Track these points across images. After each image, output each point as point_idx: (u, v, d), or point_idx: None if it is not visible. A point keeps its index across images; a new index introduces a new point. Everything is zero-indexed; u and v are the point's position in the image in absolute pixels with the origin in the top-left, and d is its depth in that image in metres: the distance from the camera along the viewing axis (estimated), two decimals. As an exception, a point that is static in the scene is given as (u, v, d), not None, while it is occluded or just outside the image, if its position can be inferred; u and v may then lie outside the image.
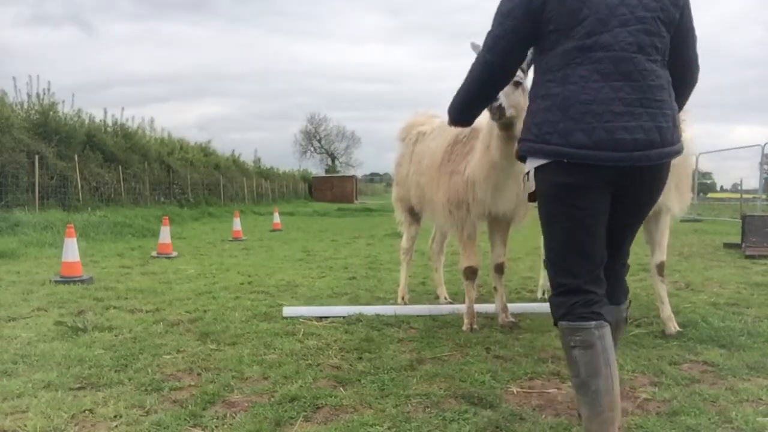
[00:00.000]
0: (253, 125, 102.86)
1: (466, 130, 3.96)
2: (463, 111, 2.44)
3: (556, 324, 2.12)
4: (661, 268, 4.07)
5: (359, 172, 58.07)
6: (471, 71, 2.29)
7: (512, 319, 4.21)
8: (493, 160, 3.72)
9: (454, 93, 2.41)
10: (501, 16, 2.14)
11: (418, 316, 4.54)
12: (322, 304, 5.01)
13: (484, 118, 4.17)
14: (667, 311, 4.02)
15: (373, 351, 3.59)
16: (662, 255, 4.06)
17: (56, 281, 6.05)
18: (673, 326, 3.96)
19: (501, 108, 3.20)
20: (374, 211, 25.13)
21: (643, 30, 2.00)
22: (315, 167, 56.92)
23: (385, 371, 3.19)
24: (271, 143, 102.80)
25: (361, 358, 3.47)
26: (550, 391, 2.95)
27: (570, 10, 2.00)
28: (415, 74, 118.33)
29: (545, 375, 3.17)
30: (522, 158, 2.20)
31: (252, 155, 40.22)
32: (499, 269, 4.35)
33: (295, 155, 61.66)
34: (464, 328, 4.11)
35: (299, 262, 8.16)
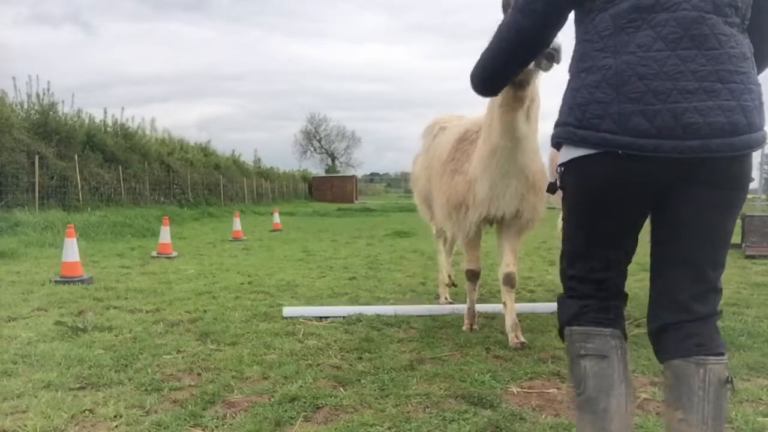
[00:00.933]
0: (253, 125, 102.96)
1: (476, 126, 3.71)
2: (486, 81, 2.02)
3: (561, 331, 1.82)
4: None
5: (359, 172, 58.16)
6: (498, 33, 1.86)
7: (523, 340, 3.72)
8: (494, 142, 3.33)
9: (479, 56, 2.00)
10: None
11: (418, 316, 4.54)
12: (322, 304, 5.01)
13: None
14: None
15: (373, 351, 3.59)
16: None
17: (56, 281, 6.05)
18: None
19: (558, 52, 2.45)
20: (374, 211, 25.14)
21: None
22: (315, 167, 56.97)
23: (385, 371, 3.19)
24: (271, 143, 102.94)
25: (361, 358, 3.47)
26: (550, 391, 2.95)
27: None
28: (415, 74, 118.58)
29: (545, 375, 3.17)
30: (557, 146, 1.79)
31: (252, 155, 40.29)
32: (508, 281, 3.84)
33: (295, 155, 61.73)
34: (464, 328, 4.08)
35: (299, 262, 8.16)
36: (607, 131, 1.58)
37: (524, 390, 2.95)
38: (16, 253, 8.28)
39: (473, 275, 4.10)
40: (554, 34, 1.84)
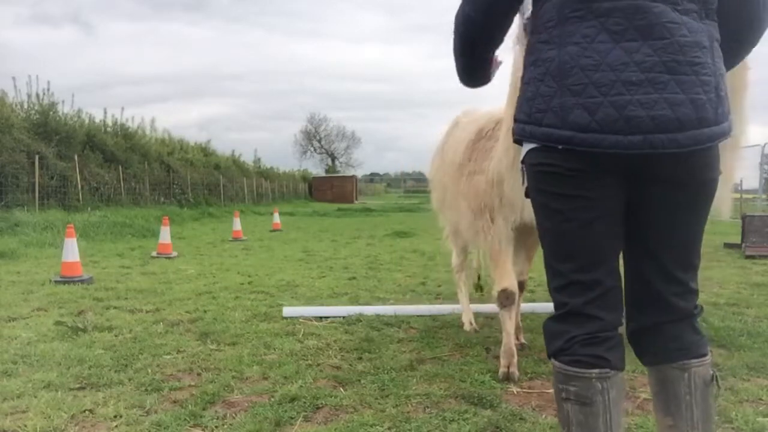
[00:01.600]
0: (253, 125, 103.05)
1: (492, 122, 3.31)
2: (463, 76, 1.96)
3: (549, 357, 1.63)
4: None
5: (359, 172, 58.20)
6: (454, 29, 1.80)
7: (523, 341, 3.71)
8: None
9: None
10: None
11: (418, 316, 4.54)
12: (322, 304, 5.01)
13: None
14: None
15: (373, 351, 3.59)
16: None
17: (56, 281, 6.05)
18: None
19: None
20: (374, 211, 25.14)
21: None
22: (315, 167, 57.00)
23: (385, 371, 3.19)
24: (271, 143, 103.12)
25: (361, 358, 3.47)
26: (550, 391, 2.94)
27: None
28: (416, 74, 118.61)
29: (545, 375, 3.17)
30: (518, 143, 1.72)
31: (252, 155, 40.29)
32: (520, 287, 3.58)
33: (295, 155, 61.82)
34: (501, 370, 3.18)
35: (299, 262, 8.16)
36: (549, 125, 1.51)
37: (524, 390, 2.96)
38: (16, 253, 8.28)
39: (507, 297, 3.28)
40: (505, 24, 1.74)
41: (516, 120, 1.64)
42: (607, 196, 1.54)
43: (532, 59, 1.59)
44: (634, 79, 1.44)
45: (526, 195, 1.73)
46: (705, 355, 1.59)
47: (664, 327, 1.60)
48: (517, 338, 3.54)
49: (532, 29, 1.65)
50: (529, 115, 1.56)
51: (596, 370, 1.50)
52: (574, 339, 1.53)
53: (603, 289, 1.55)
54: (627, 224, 1.60)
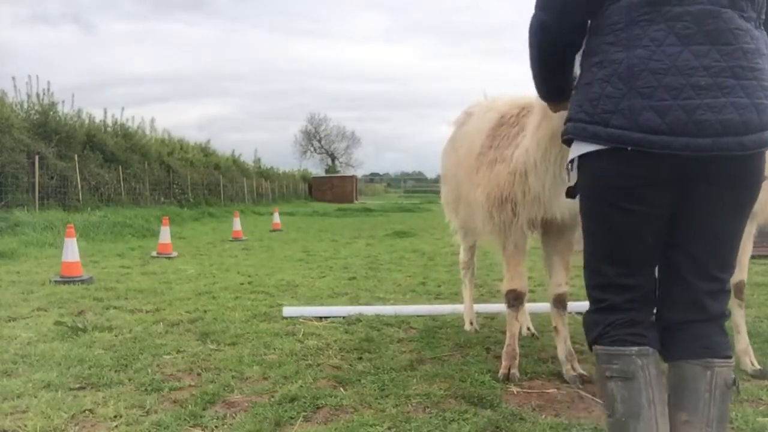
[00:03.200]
0: (253, 125, 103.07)
1: (515, 108, 3.11)
2: (544, 87, 1.95)
3: (590, 347, 1.74)
4: (739, 289, 3.27)
5: (359, 172, 58.14)
6: (529, 37, 1.81)
7: (582, 372, 3.09)
8: (557, 126, 2.49)
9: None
10: None
11: (418, 316, 4.54)
12: (322, 304, 5.01)
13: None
14: (743, 343, 3.24)
15: (373, 351, 3.59)
16: (741, 272, 3.28)
17: (56, 281, 6.05)
18: (749, 360, 3.19)
19: None
20: (374, 211, 25.13)
21: None
22: (315, 167, 56.94)
23: (385, 371, 3.19)
24: (271, 143, 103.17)
25: (361, 358, 3.47)
26: (550, 391, 2.95)
27: None
28: (416, 74, 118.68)
29: (545, 375, 3.17)
30: (567, 142, 1.75)
31: (252, 155, 40.22)
32: (560, 302, 3.19)
33: (295, 155, 61.67)
34: (502, 371, 3.13)
35: (299, 262, 8.16)
36: (617, 126, 1.54)
37: (524, 390, 2.95)
38: (16, 253, 8.28)
39: (516, 297, 3.18)
40: (582, 27, 1.73)
41: (573, 120, 1.66)
42: (660, 206, 1.60)
43: (596, 60, 1.62)
44: (703, 84, 1.49)
45: (570, 195, 1.78)
46: (730, 357, 1.65)
47: (693, 325, 1.66)
48: (573, 368, 3.11)
49: (594, 30, 1.67)
50: (593, 116, 1.59)
51: (636, 348, 1.60)
52: (613, 324, 1.64)
53: (643, 290, 1.66)
54: (670, 226, 1.65)
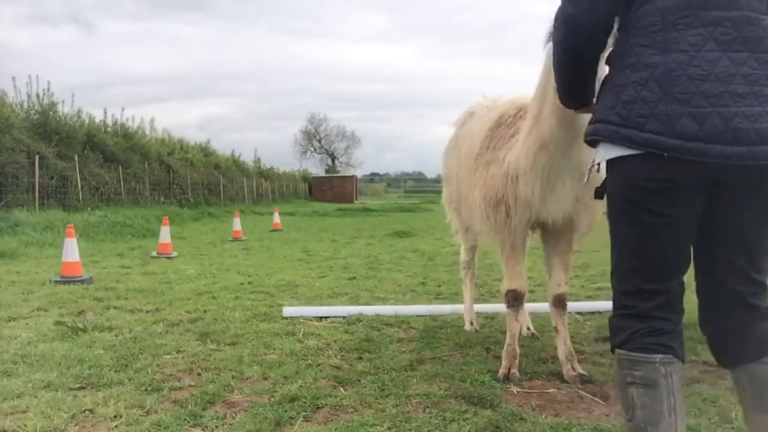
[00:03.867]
0: (253, 125, 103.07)
1: (513, 109, 3.12)
2: (567, 89, 1.90)
3: (613, 351, 1.74)
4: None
5: (359, 172, 58.14)
6: (554, 35, 1.77)
7: (582, 372, 3.09)
8: (546, 135, 2.64)
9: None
10: None
11: (418, 316, 4.54)
12: (322, 304, 5.01)
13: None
14: None
15: (373, 351, 3.59)
16: None
17: (56, 281, 6.05)
18: None
19: None
20: (374, 211, 25.13)
21: None
22: (315, 167, 56.91)
23: (385, 371, 3.19)
24: (271, 143, 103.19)
25: (361, 358, 3.47)
26: (550, 391, 2.95)
27: None
28: (416, 74, 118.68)
29: (545, 375, 3.17)
30: (591, 143, 1.74)
31: (252, 155, 40.18)
32: (560, 302, 3.19)
33: (295, 155, 61.64)
34: (501, 371, 3.13)
35: (299, 262, 8.16)
36: (653, 131, 1.53)
37: (524, 390, 2.95)
38: (16, 253, 8.28)
39: (515, 297, 3.18)
40: (610, 23, 1.69)
41: (603, 121, 1.64)
42: (691, 211, 1.61)
43: (629, 62, 1.60)
44: (741, 92, 1.49)
45: (599, 196, 1.77)
46: None
47: (748, 327, 1.66)
48: (573, 368, 3.10)
49: (626, 30, 1.64)
50: (627, 119, 1.57)
51: (660, 356, 1.60)
52: (639, 332, 1.63)
53: (671, 296, 1.65)
54: (703, 232, 1.66)
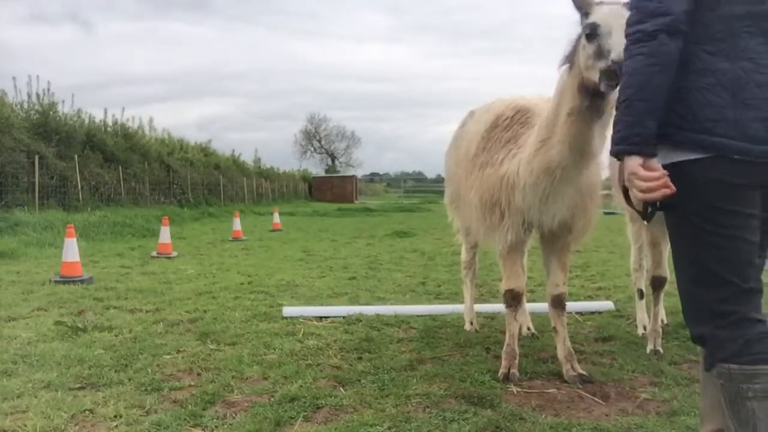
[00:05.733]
0: (253, 125, 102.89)
1: (510, 110, 3.14)
2: (646, 118, 1.64)
3: (712, 366, 1.67)
4: None
5: (359, 172, 58.00)
6: (628, 35, 1.66)
7: (582, 372, 3.10)
8: (555, 161, 2.66)
9: (618, 106, 1.70)
10: None
11: (418, 316, 4.54)
12: (322, 304, 5.01)
13: (533, 95, 3.32)
14: None
15: (373, 351, 3.59)
16: None
17: (56, 281, 6.05)
18: None
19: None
20: (374, 211, 25.13)
21: None
22: (315, 167, 56.83)
23: (385, 371, 3.19)
24: (271, 143, 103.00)
25: (361, 358, 3.47)
26: (550, 391, 2.95)
27: None
28: (416, 74, 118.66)
29: (545, 375, 3.17)
30: (618, 154, 1.68)
31: (252, 155, 40.12)
32: (558, 303, 3.20)
33: (295, 155, 61.52)
34: (501, 371, 3.13)
35: (299, 262, 8.16)
36: (723, 135, 1.58)
37: (524, 390, 2.96)
38: (16, 253, 8.28)
39: (513, 297, 3.18)
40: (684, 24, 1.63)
41: (670, 125, 1.63)
42: (758, 213, 1.66)
43: (696, 68, 1.62)
44: None
45: (648, 216, 1.74)
46: None
47: None
48: (573, 368, 3.11)
49: (689, 38, 1.62)
50: (693, 123, 1.61)
51: None
52: (750, 340, 1.60)
53: (759, 295, 1.66)
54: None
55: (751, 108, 1.57)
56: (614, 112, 1.94)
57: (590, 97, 2.48)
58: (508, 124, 3.12)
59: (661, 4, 1.60)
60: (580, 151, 2.56)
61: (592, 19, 2.36)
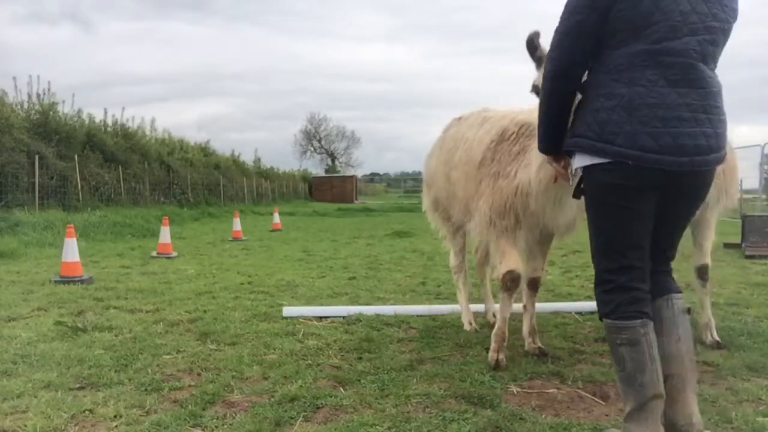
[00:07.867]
0: (253, 125, 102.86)
1: (515, 125, 3.40)
2: (551, 132, 2.31)
3: (601, 319, 2.21)
4: (703, 271, 3.83)
5: (359, 172, 58.02)
6: (544, 75, 2.25)
7: (541, 346, 3.56)
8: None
9: (538, 115, 2.32)
10: (567, 12, 2.14)
11: (418, 316, 4.54)
12: (322, 304, 5.01)
13: (520, 106, 3.52)
14: (706, 318, 3.78)
15: (373, 351, 3.59)
16: (704, 257, 3.81)
17: (56, 281, 6.05)
18: (709, 333, 3.71)
19: None
20: (374, 211, 25.14)
21: (709, 40, 2.05)
22: (315, 167, 56.85)
23: (385, 371, 3.19)
24: (271, 143, 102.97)
25: (361, 358, 3.47)
26: (550, 391, 2.95)
27: (642, 12, 2.01)
28: (416, 74, 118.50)
29: (545, 375, 3.17)
30: (569, 152, 2.24)
31: (252, 155, 40.16)
32: (534, 285, 3.63)
33: (295, 155, 61.61)
34: (491, 354, 3.34)
35: (299, 262, 8.16)
36: (621, 146, 2.03)
37: (524, 390, 2.96)
38: (16, 253, 8.28)
39: (512, 280, 3.32)
40: (585, 65, 2.19)
41: (581, 136, 2.14)
42: (648, 204, 2.12)
43: (603, 92, 2.10)
44: (684, 117, 2.02)
45: (576, 196, 2.31)
46: (680, 292, 2.27)
47: (656, 276, 2.25)
48: (534, 342, 3.59)
49: (598, 69, 2.14)
50: (600, 135, 2.08)
51: (639, 320, 2.10)
52: (621, 303, 2.12)
53: (641, 270, 2.15)
54: (656, 219, 2.19)
55: (642, 123, 2.01)
56: None
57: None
58: (515, 138, 3.38)
59: (555, 55, 2.18)
60: None
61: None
